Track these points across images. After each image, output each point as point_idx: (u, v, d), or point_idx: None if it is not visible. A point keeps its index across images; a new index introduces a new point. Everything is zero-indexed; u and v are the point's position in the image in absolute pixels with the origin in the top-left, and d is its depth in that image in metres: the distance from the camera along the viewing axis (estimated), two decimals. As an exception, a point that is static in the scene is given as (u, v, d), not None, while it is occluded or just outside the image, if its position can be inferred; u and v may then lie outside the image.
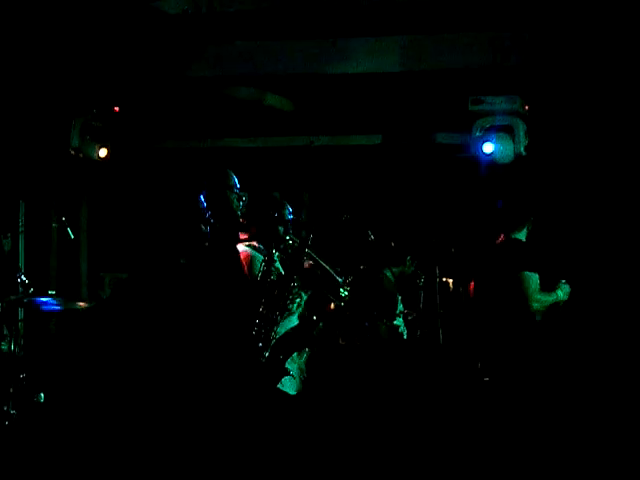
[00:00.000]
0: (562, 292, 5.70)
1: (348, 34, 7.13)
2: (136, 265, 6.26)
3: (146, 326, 5.54)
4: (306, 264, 5.13)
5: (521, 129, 7.16)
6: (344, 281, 5.04)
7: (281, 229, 5.02)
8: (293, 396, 4.92)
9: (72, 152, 7.63)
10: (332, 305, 5.21)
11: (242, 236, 5.13)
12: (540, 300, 5.56)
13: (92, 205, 8.43)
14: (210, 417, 4.62)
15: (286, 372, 4.77)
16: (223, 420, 4.60)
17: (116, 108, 7.66)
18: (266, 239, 4.98)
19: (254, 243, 5.06)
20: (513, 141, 7.19)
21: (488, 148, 7.18)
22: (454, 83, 7.17)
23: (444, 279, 6.90)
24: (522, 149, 7.17)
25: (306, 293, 5.13)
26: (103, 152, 7.73)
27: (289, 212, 5.17)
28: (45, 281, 7.65)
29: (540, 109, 7.20)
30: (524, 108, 7.14)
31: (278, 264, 4.98)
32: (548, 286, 5.71)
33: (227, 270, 4.86)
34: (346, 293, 5.02)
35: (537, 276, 5.54)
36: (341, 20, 6.90)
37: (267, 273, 4.82)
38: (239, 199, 4.94)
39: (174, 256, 5.04)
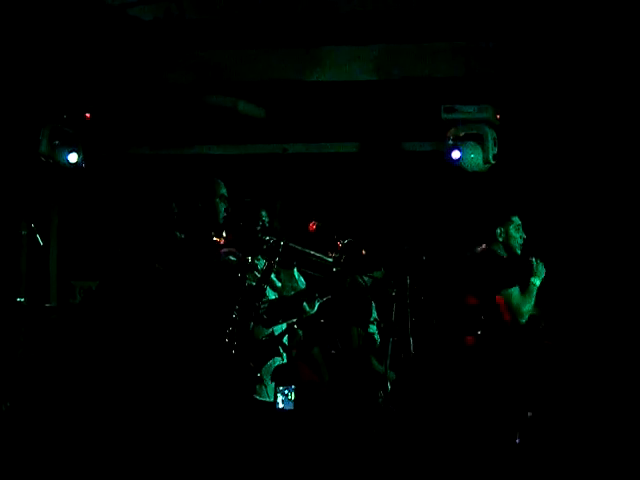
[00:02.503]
0: (538, 278, 5.60)
1: (322, 42, 7.16)
2: (108, 272, 6.23)
3: (118, 332, 5.51)
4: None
5: (490, 137, 7.20)
6: (336, 261, 4.99)
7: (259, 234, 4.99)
8: (269, 403, 4.89)
9: (42, 158, 7.57)
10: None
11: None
12: (527, 312, 5.50)
13: (63, 212, 8.36)
14: (181, 424, 4.60)
15: (259, 380, 4.76)
16: (195, 427, 4.59)
17: (87, 115, 7.60)
18: (244, 245, 4.96)
19: (232, 249, 5.02)
20: (482, 149, 7.23)
21: (456, 155, 7.23)
22: (427, 91, 7.21)
23: (415, 287, 6.90)
24: (490, 157, 7.21)
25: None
26: (73, 158, 7.65)
27: (265, 215, 5.17)
28: (14, 288, 7.58)
29: (511, 118, 7.26)
30: (496, 117, 7.20)
31: (260, 267, 4.95)
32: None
33: (202, 277, 4.84)
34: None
35: (517, 289, 5.51)
36: (315, 28, 6.92)
37: (242, 280, 4.79)
38: (226, 210, 4.94)
39: (149, 262, 5.02)
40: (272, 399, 4.89)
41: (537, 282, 5.58)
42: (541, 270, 5.61)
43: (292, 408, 4.72)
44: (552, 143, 7.26)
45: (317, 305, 5.02)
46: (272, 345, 4.85)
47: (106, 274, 6.34)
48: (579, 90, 6.97)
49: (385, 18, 6.78)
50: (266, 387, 4.87)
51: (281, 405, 4.74)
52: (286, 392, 4.71)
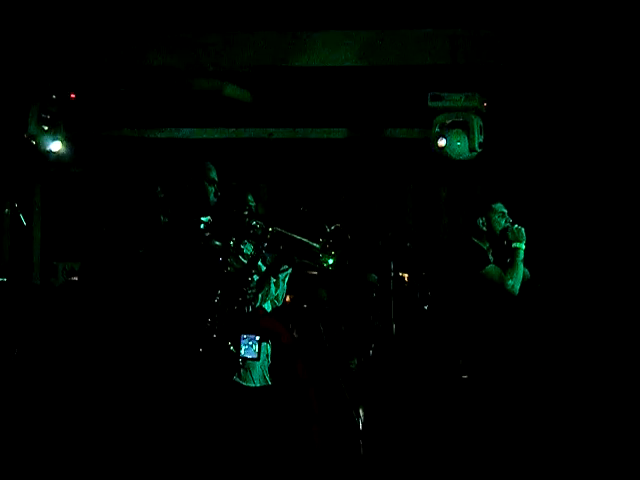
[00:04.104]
0: (521, 242, 5.51)
1: (309, 27, 7.13)
2: (91, 254, 6.23)
3: (98, 314, 5.51)
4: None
5: (476, 125, 7.21)
6: (323, 246, 4.97)
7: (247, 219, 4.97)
8: (253, 388, 4.90)
9: (26, 137, 7.53)
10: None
11: None
12: (515, 282, 5.41)
13: (46, 192, 8.34)
14: (160, 409, 4.61)
15: (239, 365, 4.76)
16: (173, 412, 4.60)
17: (72, 95, 7.57)
18: (231, 229, 4.94)
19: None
20: (468, 137, 7.24)
21: (441, 142, 7.23)
22: (414, 79, 7.21)
23: (399, 274, 6.94)
24: (476, 145, 7.22)
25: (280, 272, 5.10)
26: (57, 146, 7.59)
27: (252, 200, 5.16)
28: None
29: (498, 106, 7.27)
30: (482, 105, 7.21)
31: (247, 252, 4.95)
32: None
33: (184, 261, 4.83)
34: (331, 261, 4.94)
35: (492, 267, 5.45)
36: (302, 13, 6.89)
37: (224, 264, 4.79)
38: (215, 193, 4.91)
39: (132, 245, 5.02)
40: (257, 384, 4.91)
41: (521, 246, 5.48)
42: (523, 234, 5.53)
43: (255, 357, 4.70)
44: (539, 131, 7.29)
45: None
46: (253, 329, 4.86)
47: (89, 256, 6.34)
48: (567, 78, 6.99)
49: (373, 4, 6.76)
50: (251, 373, 4.89)
51: (243, 353, 4.72)
52: (250, 343, 4.70)
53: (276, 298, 5.12)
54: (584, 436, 5.62)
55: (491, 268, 5.39)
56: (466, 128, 7.23)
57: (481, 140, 7.23)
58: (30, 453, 5.35)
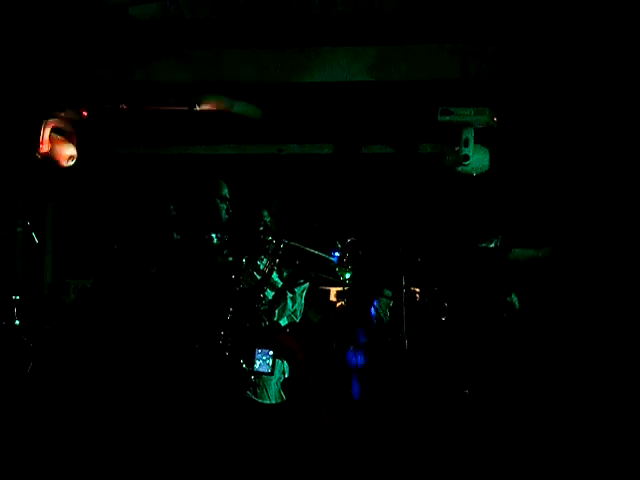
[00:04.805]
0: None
1: (318, 43, 7.16)
2: (103, 271, 6.24)
3: (110, 333, 5.52)
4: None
5: (462, 137, 7.13)
6: (339, 260, 4.99)
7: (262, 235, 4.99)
8: (269, 405, 4.91)
9: (38, 156, 7.57)
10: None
11: None
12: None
13: (58, 210, 8.38)
14: (173, 423, 4.62)
15: (251, 382, 4.77)
16: (186, 425, 4.61)
17: (84, 112, 7.61)
18: (246, 246, 4.96)
19: None
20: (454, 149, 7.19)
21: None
22: (424, 93, 7.22)
23: (411, 288, 6.94)
24: (460, 157, 7.13)
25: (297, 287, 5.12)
26: (71, 161, 7.63)
27: (267, 215, 5.18)
28: (9, 286, 7.57)
29: (508, 120, 7.26)
30: (493, 119, 7.18)
31: (263, 268, 4.96)
32: None
33: (196, 279, 4.85)
34: (347, 275, 4.97)
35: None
36: (311, 29, 6.92)
37: (236, 282, 4.80)
38: (227, 210, 4.94)
39: (144, 263, 5.04)
40: (272, 401, 4.91)
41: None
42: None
43: (268, 371, 4.71)
44: (550, 146, 7.28)
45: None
46: (268, 343, 4.86)
47: (101, 273, 6.36)
48: (574, 92, 7.00)
49: (382, 19, 6.78)
50: (267, 390, 4.89)
51: (257, 368, 4.73)
52: (264, 357, 4.71)
53: (293, 313, 5.12)
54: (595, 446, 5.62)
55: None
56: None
57: (467, 152, 7.13)
58: (43, 466, 5.37)
